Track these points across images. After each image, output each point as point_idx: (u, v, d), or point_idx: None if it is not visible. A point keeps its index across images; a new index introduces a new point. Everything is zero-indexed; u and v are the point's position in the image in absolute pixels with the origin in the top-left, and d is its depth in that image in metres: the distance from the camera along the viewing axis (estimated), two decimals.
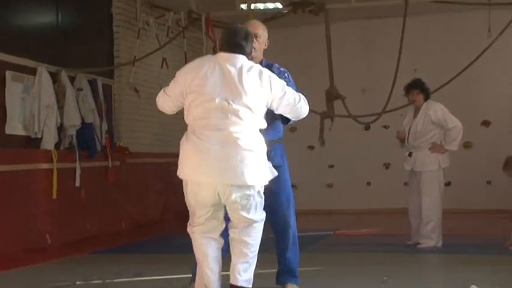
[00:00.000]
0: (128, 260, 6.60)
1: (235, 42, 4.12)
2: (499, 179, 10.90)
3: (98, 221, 8.01)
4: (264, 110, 4.14)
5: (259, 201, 4.15)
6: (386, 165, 11.64)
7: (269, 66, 4.53)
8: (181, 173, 4.09)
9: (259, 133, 4.10)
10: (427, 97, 7.24)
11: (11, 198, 6.79)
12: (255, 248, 4.15)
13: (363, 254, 6.95)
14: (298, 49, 11.73)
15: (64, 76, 7.98)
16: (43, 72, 7.65)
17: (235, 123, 3.97)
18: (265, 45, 4.63)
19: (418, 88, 7.22)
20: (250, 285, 4.08)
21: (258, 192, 4.12)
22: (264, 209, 4.25)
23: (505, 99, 11.16)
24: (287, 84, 4.41)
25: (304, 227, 9.50)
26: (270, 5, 10.24)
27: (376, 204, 11.28)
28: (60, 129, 7.88)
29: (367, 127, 10.79)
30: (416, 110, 7.28)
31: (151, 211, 9.40)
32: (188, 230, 4.18)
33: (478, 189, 11.01)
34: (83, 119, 8.15)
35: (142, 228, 8.89)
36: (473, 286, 4.06)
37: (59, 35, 8.22)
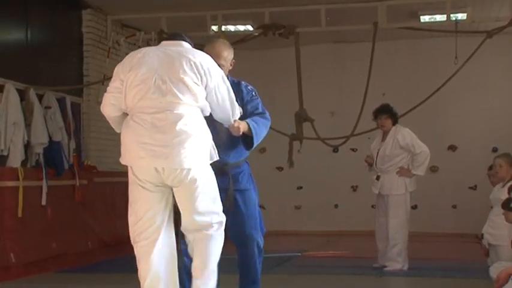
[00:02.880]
0: (93, 280, 6.52)
1: (179, 33, 4.17)
2: (464, 203, 11.05)
3: (64, 240, 7.90)
4: (205, 94, 3.95)
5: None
6: (354, 188, 11.71)
7: (236, 84, 4.48)
8: (124, 159, 3.97)
9: (201, 116, 3.94)
10: (395, 122, 7.33)
11: None
12: (212, 261, 4.00)
13: (331, 276, 6.97)
14: (268, 71, 11.80)
15: (32, 93, 7.91)
16: (11, 89, 7.58)
17: (173, 104, 3.82)
18: (231, 65, 4.59)
19: (386, 113, 7.31)
20: None
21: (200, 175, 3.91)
22: (231, 231, 4.24)
23: (472, 125, 11.33)
24: (254, 101, 4.49)
25: (272, 248, 9.52)
26: (241, 27, 10.30)
27: (344, 226, 11.32)
28: (27, 146, 7.80)
29: (335, 149, 10.85)
30: (385, 134, 7.36)
31: (118, 231, 9.31)
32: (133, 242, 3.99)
33: (443, 213, 11.13)
34: (50, 137, 8.07)
35: (109, 247, 8.80)
36: None
37: (28, 52, 8.16)
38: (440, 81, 8.81)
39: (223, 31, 9.83)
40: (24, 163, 7.70)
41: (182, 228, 4.01)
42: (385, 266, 7.09)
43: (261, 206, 13.22)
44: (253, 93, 4.65)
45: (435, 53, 11.14)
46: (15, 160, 7.50)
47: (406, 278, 6.83)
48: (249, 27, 10.24)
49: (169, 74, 3.84)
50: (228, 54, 4.53)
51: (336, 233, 11.23)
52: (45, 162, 7.89)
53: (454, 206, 11.21)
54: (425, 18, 9.81)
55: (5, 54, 7.82)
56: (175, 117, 3.79)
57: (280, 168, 11.68)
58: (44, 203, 7.60)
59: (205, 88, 3.93)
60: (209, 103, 3.99)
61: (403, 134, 7.21)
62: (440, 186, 11.11)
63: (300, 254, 8.93)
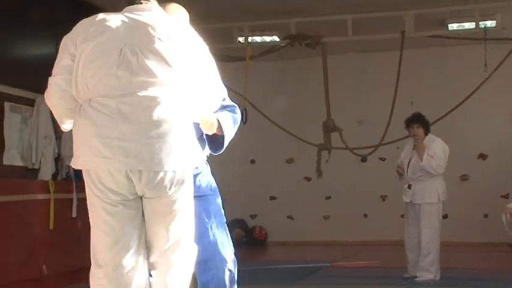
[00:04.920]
0: None
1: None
2: (496, 212, 10.90)
3: None
4: (188, 70, 2.91)
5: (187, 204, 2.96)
6: (383, 197, 11.64)
7: None
8: (77, 161, 2.85)
9: (183, 102, 2.90)
10: (427, 130, 7.28)
11: (8, 229, 6.77)
12: None
13: (360, 286, 6.93)
14: (295, 81, 11.80)
15: None
16: (41, 103, 7.67)
17: (145, 84, 2.79)
18: None
19: (418, 122, 7.26)
20: None
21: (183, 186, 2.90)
22: None
23: (502, 133, 11.20)
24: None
25: (301, 258, 9.57)
26: (267, 38, 10.33)
27: (373, 236, 11.25)
28: (58, 159, 7.89)
29: (363, 159, 10.81)
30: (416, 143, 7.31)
31: None
32: (92, 275, 3.11)
33: (475, 222, 11.00)
34: None
35: None
36: None
37: None
38: (469, 89, 8.74)
39: (250, 42, 9.87)
40: (54, 176, 7.79)
41: (151, 259, 2.98)
42: (415, 276, 7.02)
43: (289, 217, 13.34)
44: None
45: (463, 61, 11.05)
46: (46, 173, 7.60)
47: (438, 287, 6.76)
48: (276, 38, 10.27)
49: (140, 43, 2.83)
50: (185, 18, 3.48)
51: (365, 243, 11.16)
52: (75, 175, 7.98)
53: (486, 215, 11.08)
54: (453, 26, 9.75)
55: (35, 69, 7.92)
56: (149, 102, 2.78)
57: (308, 179, 11.64)
58: (74, 215, 7.68)
59: (187, 64, 2.91)
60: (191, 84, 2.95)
61: (436, 145, 7.17)
62: (471, 195, 10.99)
63: (329, 264, 8.89)
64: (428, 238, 7.00)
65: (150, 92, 2.79)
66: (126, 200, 2.85)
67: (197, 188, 3.33)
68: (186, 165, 2.88)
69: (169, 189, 2.85)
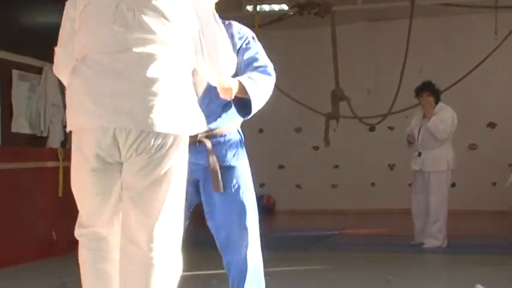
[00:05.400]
0: None
1: None
2: (504, 180, 10.90)
3: None
4: (189, 28, 2.70)
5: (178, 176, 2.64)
6: (391, 166, 11.65)
7: (225, 26, 3.03)
8: (69, 123, 2.72)
9: (183, 65, 2.70)
10: (437, 99, 7.25)
11: (18, 196, 6.82)
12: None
13: (368, 254, 6.98)
14: (304, 50, 11.75)
15: None
16: (49, 71, 7.68)
17: (142, 41, 2.61)
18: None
19: (428, 90, 7.23)
20: None
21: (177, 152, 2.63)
22: (217, 232, 3.23)
23: (511, 101, 11.15)
24: (251, 49, 3.22)
25: (309, 226, 9.62)
26: (276, 7, 10.26)
27: (381, 205, 11.28)
28: (66, 127, 7.92)
29: (372, 128, 10.80)
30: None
31: None
32: (76, 233, 2.82)
33: (483, 190, 11.01)
34: None
35: None
36: (477, 285, 4.06)
37: None
38: (479, 57, 8.68)
39: (258, 11, 9.82)
40: (63, 144, 7.82)
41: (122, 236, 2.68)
42: (422, 243, 7.06)
43: (297, 185, 13.35)
44: (251, 38, 3.32)
45: (474, 29, 10.96)
46: (54, 141, 7.63)
47: (445, 255, 6.79)
48: (284, 7, 10.20)
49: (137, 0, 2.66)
50: None
51: (373, 211, 11.20)
52: None
53: (494, 184, 11.08)
54: None
55: (43, 37, 7.89)
56: (145, 59, 2.60)
57: (316, 148, 11.65)
58: None
59: (189, 24, 2.70)
60: (193, 47, 2.73)
61: (446, 112, 7.15)
62: (480, 164, 10.98)
63: (337, 232, 8.94)
64: (437, 206, 7.03)
65: (147, 49, 2.61)
66: (107, 163, 2.64)
67: (222, 157, 3.19)
68: (181, 129, 2.62)
69: (157, 152, 2.58)
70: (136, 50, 2.60)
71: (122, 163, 2.64)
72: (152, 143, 2.57)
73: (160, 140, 2.58)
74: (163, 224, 2.61)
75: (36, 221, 7.05)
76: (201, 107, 2.75)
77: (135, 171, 2.61)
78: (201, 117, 2.73)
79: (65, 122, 7.82)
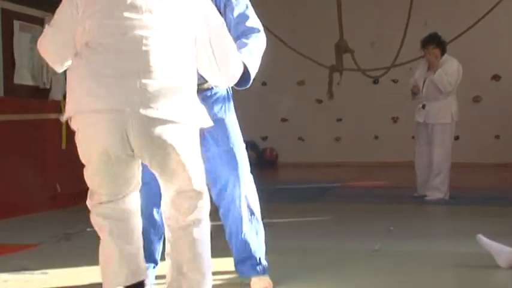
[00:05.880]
0: None
1: None
2: (508, 133, 10.89)
3: None
4: (189, 34, 2.69)
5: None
6: (395, 119, 11.63)
7: None
8: (69, 106, 2.68)
9: (190, 54, 2.69)
10: (443, 51, 7.18)
11: (21, 148, 6.84)
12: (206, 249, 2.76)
13: (370, 205, 7.02)
14: (308, 2, 11.61)
15: None
16: (50, 22, 7.62)
17: (150, 27, 2.60)
18: None
19: (434, 42, 7.15)
20: None
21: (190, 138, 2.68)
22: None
23: None
24: (240, 5, 3.18)
25: (312, 179, 9.65)
26: None
27: (384, 158, 11.29)
28: None
29: (375, 81, 10.74)
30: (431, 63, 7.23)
31: None
32: (89, 203, 2.82)
33: (486, 143, 11.00)
34: None
35: None
36: (479, 236, 4.08)
37: None
38: (484, 9, 8.57)
39: None
40: (65, 96, 7.79)
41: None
42: (425, 195, 7.09)
43: (300, 138, 13.35)
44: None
45: None
46: (57, 93, 7.61)
47: (447, 206, 6.83)
48: None
49: None
50: None
51: (376, 164, 11.22)
52: None
53: (497, 137, 11.07)
54: None
55: None
56: (155, 39, 2.60)
57: (319, 101, 11.62)
58: None
59: (196, 28, 2.72)
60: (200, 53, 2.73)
61: (451, 64, 7.10)
62: (483, 117, 10.95)
63: (339, 184, 8.97)
64: (440, 158, 7.04)
65: (154, 34, 2.59)
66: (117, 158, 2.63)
67: (210, 111, 3.06)
68: (186, 119, 2.62)
69: (164, 138, 2.59)
70: (142, 33, 2.57)
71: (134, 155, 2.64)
72: (158, 129, 2.56)
73: (168, 127, 2.57)
74: (198, 188, 2.71)
75: (39, 173, 7.07)
76: None
77: (151, 162, 2.65)
78: (203, 111, 2.74)
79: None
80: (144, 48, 2.56)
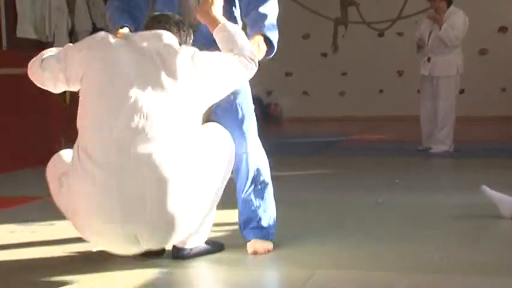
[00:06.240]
0: None
1: (161, 17, 2.93)
2: None
3: None
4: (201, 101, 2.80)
5: None
6: (400, 73, 11.55)
7: None
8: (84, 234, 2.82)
9: (191, 141, 2.75)
10: (449, 3, 7.09)
11: (25, 101, 6.84)
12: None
13: (375, 158, 7.02)
14: None
15: None
16: None
17: (150, 137, 2.63)
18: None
19: None
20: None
21: None
22: None
23: None
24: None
25: (316, 133, 9.65)
26: None
27: (389, 112, 11.24)
28: (72, 33, 7.82)
29: (381, 34, 10.63)
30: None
31: None
32: None
33: (492, 96, 10.94)
34: (94, 24, 8.08)
35: None
36: (483, 186, 4.09)
37: None
38: None
39: None
40: None
41: None
42: (430, 148, 7.09)
43: (304, 93, 13.27)
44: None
45: None
46: (60, 47, 7.55)
47: (452, 159, 6.84)
48: None
49: (149, 85, 2.67)
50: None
51: (381, 118, 11.18)
52: None
53: (503, 89, 11.01)
54: None
55: None
56: (151, 156, 2.63)
57: (324, 54, 11.53)
58: None
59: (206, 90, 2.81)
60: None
61: (458, 16, 7.02)
62: (489, 69, 10.86)
63: (344, 138, 8.97)
64: (445, 111, 7.02)
65: (153, 146, 2.63)
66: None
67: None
68: (180, 231, 2.76)
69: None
70: (144, 150, 2.63)
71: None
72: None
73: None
74: None
75: (43, 127, 7.09)
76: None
77: None
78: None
79: (70, 28, 7.77)
80: (144, 165, 2.61)
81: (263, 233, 3.26)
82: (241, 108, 3.24)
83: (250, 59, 2.94)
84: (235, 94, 3.19)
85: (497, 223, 3.86)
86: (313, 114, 11.54)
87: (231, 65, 2.87)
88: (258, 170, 3.27)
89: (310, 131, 10.09)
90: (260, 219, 3.26)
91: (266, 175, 3.31)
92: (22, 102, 6.81)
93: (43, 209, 4.04)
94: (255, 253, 3.20)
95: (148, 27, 2.90)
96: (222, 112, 3.19)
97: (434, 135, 7.09)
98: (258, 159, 3.28)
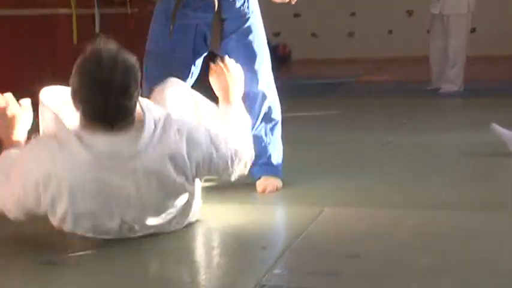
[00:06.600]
0: None
1: (108, 104, 2.29)
2: None
3: None
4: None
5: None
6: (410, 12, 11.39)
7: None
8: None
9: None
10: None
11: (32, 42, 6.81)
12: None
13: (384, 99, 6.98)
14: None
15: None
16: None
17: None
18: None
19: None
20: None
21: None
22: None
23: None
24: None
25: (325, 75, 9.58)
26: None
27: (398, 52, 11.13)
28: None
29: None
30: None
31: None
32: None
33: (503, 35, 10.79)
34: None
35: None
36: (493, 125, 4.07)
37: None
38: None
39: None
40: None
41: None
42: (439, 88, 7.04)
43: (313, 34, 13.16)
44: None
45: None
46: None
47: (462, 98, 6.80)
48: None
49: (135, 212, 2.43)
50: None
51: (390, 59, 11.07)
52: None
53: None
54: None
55: None
56: None
57: None
58: (97, 30, 7.65)
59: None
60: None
61: None
62: (501, 7, 10.68)
63: (353, 79, 8.91)
64: (456, 50, 6.94)
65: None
66: None
67: (230, 8, 3.16)
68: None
69: None
70: None
71: None
72: None
73: None
74: None
75: (51, 68, 7.06)
76: None
77: None
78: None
79: None
80: None
81: (273, 169, 3.27)
82: (253, 46, 3.20)
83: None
84: (247, 31, 3.16)
85: (507, 161, 3.85)
86: (322, 55, 11.44)
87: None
88: (270, 108, 3.27)
89: (319, 73, 10.02)
90: (270, 155, 3.27)
91: (277, 113, 3.31)
92: (29, 44, 6.78)
93: None
94: (264, 190, 3.21)
95: None
96: (233, 49, 3.15)
97: (444, 74, 7.03)
98: (270, 96, 3.27)
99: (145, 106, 2.41)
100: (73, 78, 2.32)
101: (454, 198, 3.08)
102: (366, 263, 2.28)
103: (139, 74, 2.32)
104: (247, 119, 2.86)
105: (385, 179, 3.49)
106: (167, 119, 2.41)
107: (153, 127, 2.34)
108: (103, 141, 2.29)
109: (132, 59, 2.33)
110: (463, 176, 3.58)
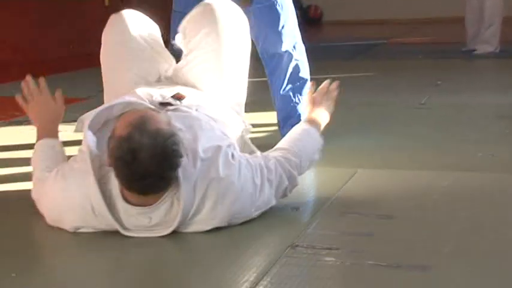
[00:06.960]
0: None
1: (143, 185, 2.04)
2: None
3: None
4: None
5: None
6: None
7: None
8: None
9: None
10: None
11: (63, 6, 6.83)
12: None
13: (417, 61, 6.89)
14: None
15: None
16: None
17: None
18: None
19: None
20: None
21: None
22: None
23: None
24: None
25: (357, 37, 9.48)
26: None
27: (432, 13, 10.95)
28: None
29: None
30: None
31: None
32: None
33: None
34: None
35: None
36: None
37: None
38: None
39: None
40: None
41: None
42: (474, 50, 6.92)
43: None
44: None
45: None
46: None
47: (498, 59, 6.66)
48: None
49: None
50: None
51: (424, 20, 10.90)
52: None
53: None
54: None
55: None
56: None
57: None
58: None
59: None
60: None
61: None
62: None
63: (385, 41, 8.80)
64: (492, 9, 6.80)
65: None
66: None
67: None
68: None
69: None
70: None
71: None
72: None
73: None
74: None
75: (83, 31, 7.09)
76: None
77: None
78: None
79: None
80: None
81: None
82: (276, 7, 3.14)
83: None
84: None
85: None
86: (354, 17, 11.32)
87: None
88: (296, 67, 3.24)
89: (351, 35, 9.91)
90: (299, 115, 3.24)
91: (305, 72, 3.28)
92: (62, 8, 6.80)
93: (89, 108, 4.08)
94: None
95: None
96: (258, 12, 3.12)
97: (480, 34, 6.90)
98: (296, 55, 3.24)
99: (181, 172, 2.09)
100: (108, 150, 2.06)
101: (488, 160, 3.04)
102: (400, 224, 2.27)
103: (179, 158, 2.04)
104: (319, 144, 2.60)
105: (418, 140, 3.46)
106: (210, 185, 2.14)
107: (190, 201, 2.12)
108: (135, 214, 2.12)
109: (172, 138, 2.03)
110: (498, 137, 3.52)
